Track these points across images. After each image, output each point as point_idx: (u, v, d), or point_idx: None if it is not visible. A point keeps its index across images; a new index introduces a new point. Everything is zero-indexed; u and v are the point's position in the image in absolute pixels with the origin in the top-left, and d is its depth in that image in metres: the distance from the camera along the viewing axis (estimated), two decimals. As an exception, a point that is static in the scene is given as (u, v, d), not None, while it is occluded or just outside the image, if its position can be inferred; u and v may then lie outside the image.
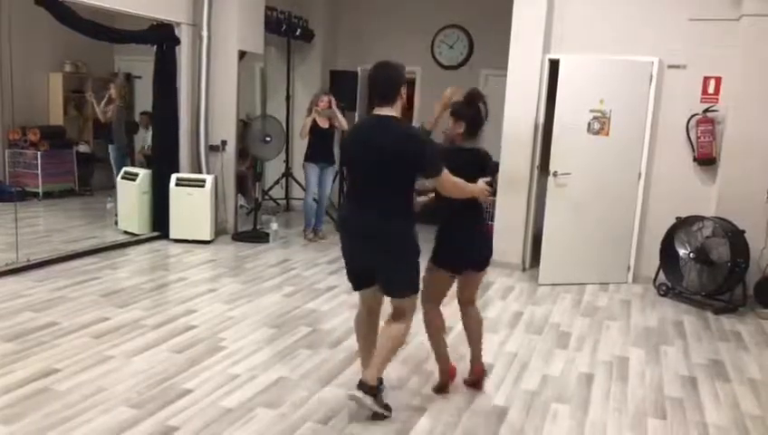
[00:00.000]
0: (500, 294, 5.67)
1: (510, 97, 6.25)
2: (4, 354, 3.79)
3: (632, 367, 4.21)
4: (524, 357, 4.25)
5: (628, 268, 6.20)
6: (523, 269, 6.43)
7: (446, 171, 3.14)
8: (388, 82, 3.19)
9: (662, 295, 5.81)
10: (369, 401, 3.17)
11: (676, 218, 5.74)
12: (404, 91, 3.20)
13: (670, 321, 5.20)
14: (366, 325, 3.41)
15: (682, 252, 5.65)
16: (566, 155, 5.85)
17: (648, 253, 6.06)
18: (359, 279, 3.33)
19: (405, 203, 3.16)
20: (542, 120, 6.22)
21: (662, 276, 5.89)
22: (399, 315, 3.25)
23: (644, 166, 6.02)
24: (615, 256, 6.17)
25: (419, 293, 3.33)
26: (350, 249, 3.29)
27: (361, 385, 3.18)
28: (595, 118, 5.86)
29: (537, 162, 6.30)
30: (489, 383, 3.81)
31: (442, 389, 3.65)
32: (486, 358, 4.18)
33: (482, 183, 3.35)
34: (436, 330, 3.60)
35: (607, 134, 5.89)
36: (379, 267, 3.21)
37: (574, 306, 5.43)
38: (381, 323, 3.36)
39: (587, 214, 5.97)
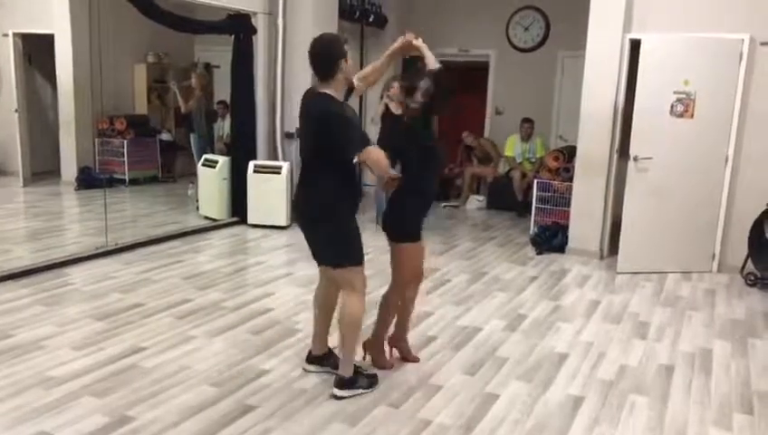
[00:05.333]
0: (576, 282, 5.55)
1: (588, 79, 6.06)
2: (96, 332, 4.01)
3: (716, 360, 4.04)
4: (601, 347, 4.15)
5: (713, 256, 5.93)
6: (601, 257, 6.26)
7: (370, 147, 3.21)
8: (324, 57, 3.14)
9: (750, 285, 5.54)
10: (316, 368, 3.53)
11: (767, 205, 5.45)
12: (345, 65, 3.15)
13: (759, 312, 4.95)
14: (322, 295, 3.54)
15: (773, 240, 5.37)
16: (647, 138, 5.63)
17: (735, 241, 5.77)
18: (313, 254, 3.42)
19: (330, 177, 3.20)
20: (621, 102, 6.01)
21: (750, 265, 5.61)
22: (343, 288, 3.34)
23: (732, 149, 5.73)
24: (699, 243, 5.91)
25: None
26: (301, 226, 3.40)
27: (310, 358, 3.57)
28: (679, 100, 5.61)
29: (617, 146, 6.10)
30: (564, 372, 3.75)
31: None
32: (561, 347, 4.12)
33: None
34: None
35: (691, 116, 5.64)
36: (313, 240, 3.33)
37: (654, 296, 5.25)
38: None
39: (669, 199, 5.74)
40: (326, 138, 3.10)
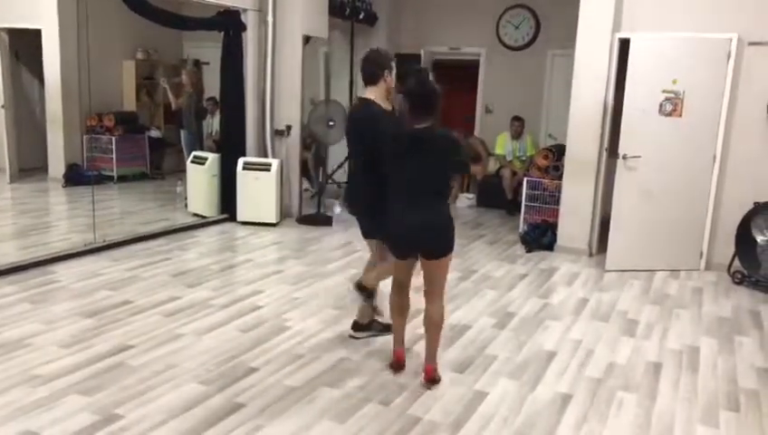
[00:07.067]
0: (565, 280, 5.57)
1: (578, 78, 6.08)
2: (84, 330, 3.99)
3: (703, 357, 4.06)
4: (590, 344, 4.17)
5: (701, 255, 5.97)
6: (590, 255, 6.28)
7: None
8: (373, 64, 3.63)
9: (737, 284, 5.58)
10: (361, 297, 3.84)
11: (755, 203, 5.48)
12: (388, 75, 3.61)
13: (746, 310, 4.99)
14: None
15: (760, 239, 5.41)
16: (636, 137, 5.66)
17: (723, 239, 5.81)
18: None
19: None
20: (610, 101, 6.03)
21: (737, 264, 5.65)
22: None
23: (719, 148, 5.76)
24: (687, 241, 5.95)
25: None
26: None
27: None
28: (667, 99, 5.64)
29: (605, 145, 6.13)
30: (552, 370, 3.76)
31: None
32: (549, 345, 4.14)
33: None
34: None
35: (680, 115, 5.67)
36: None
37: (643, 293, 5.28)
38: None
39: (658, 198, 5.77)
40: (369, 137, 3.46)
